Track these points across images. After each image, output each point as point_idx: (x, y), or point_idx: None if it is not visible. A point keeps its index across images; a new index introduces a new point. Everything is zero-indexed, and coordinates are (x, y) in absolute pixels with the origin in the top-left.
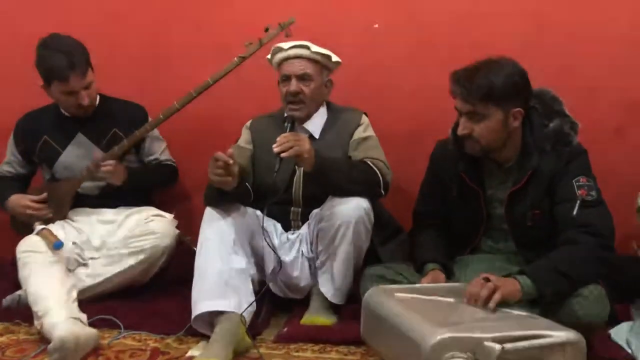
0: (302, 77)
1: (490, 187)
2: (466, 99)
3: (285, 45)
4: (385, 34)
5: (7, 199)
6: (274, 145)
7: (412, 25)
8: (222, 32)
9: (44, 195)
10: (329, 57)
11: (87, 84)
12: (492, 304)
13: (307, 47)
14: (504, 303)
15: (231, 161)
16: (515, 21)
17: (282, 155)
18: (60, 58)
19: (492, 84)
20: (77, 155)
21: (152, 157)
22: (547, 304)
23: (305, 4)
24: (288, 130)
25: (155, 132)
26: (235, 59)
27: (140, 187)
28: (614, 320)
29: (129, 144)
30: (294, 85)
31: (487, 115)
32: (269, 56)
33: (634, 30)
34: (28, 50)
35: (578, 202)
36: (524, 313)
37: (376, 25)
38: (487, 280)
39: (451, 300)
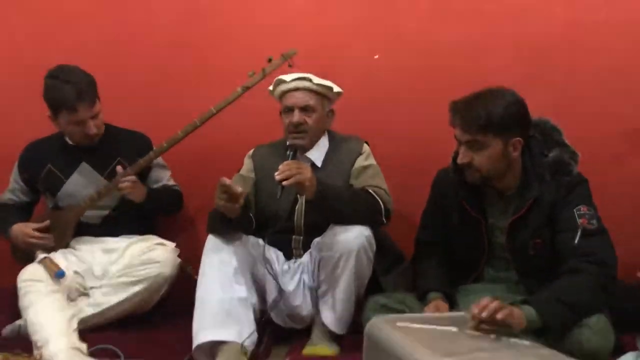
0: (305, 109)
1: (491, 215)
2: (465, 129)
3: (287, 77)
4: (385, 64)
5: (11, 228)
6: (276, 173)
7: (412, 56)
8: (225, 62)
9: (47, 222)
10: (330, 88)
11: (95, 114)
12: (500, 315)
13: (309, 79)
14: (507, 332)
15: (239, 189)
16: (515, 51)
17: (284, 183)
18: (69, 88)
19: (490, 113)
20: (80, 184)
21: (159, 184)
22: (551, 334)
23: (307, 35)
24: (290, 158)
25: (160, 160)
26: (239, 88)
27: (155, 207)
28: (620, 351)
29: (132, 171)
30: (296, 116)
31: (487, 145)
32: (270, 87)
33: (632, 59)
34: (32, 80)
35: (579, 231)
36: (528, 343)
37: (377, 57)
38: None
39: (454, 329)
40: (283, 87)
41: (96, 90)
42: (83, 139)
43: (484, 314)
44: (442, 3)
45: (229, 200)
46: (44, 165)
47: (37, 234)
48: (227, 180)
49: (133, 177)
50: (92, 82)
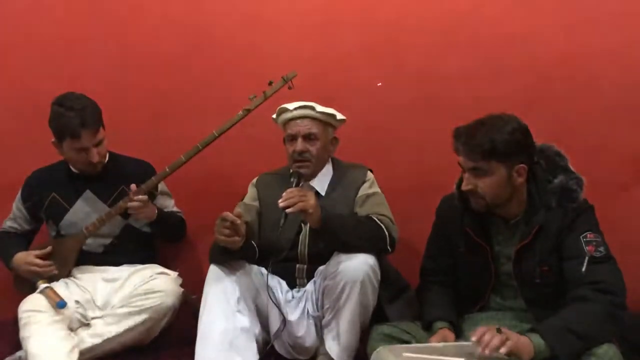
0: (308, 137)
1: (497, 243)
2: (469, 156)
3: (290, 105)
4: (388, 91)
5: (13, 258)
6: (279, 201)
7: (414, 84)
8: (228, 89)
9: (49, 248)
10: (333, 115)
11: (98, 142)
12: (504, 349)
13: (312, 108)
14: None
15: (239, 221)
16: (519, 77)
17: (288, 210)
18: (73, 116)
19: (494, 140)
20: (84, 212)
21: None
22: None
23: (310, 62)
24: (294, 185)
25: (164, 188)
26: (240, 111)
27: (164, 229)
28: None
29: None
30: (300, 144)
31: (490, 172)
32: (274, 116)
33: (636, 86)
34: (35, 108)
35: (586, 258)
36: None
37: (380, 84)
38: (500, 331)
39: (461, 359)
40: (286, 116)
41: (100, 118)
42: (86, 166)
43: (487, 352)
44: (444, 31)
45: (230, 235)
46: (48, 193)
47: (39, 261)
48: (229, 215)
49: (144, 197)
50: (96, 110)
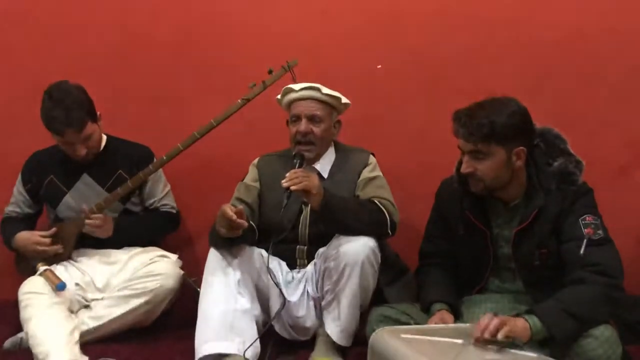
0: (312, 118)
1: (496, 226)
2: (468, 139)
3: (296, 86)
4: (388, 74)
5: (15, 237)
6: (283, 181)
7: (414, 66)
8: (227, 72)
9: (54, 229)
10: (339, 99)
11: (84, 138)
12: (500, 335)
13: (318, 89)
14: (512, 344)
15: (239, 220)
16: (520, 59)
17: (292, 188)
18: (58, 112)
19: (493, 123)
20: (81, 196)
21: (151, 201)
22: (557, 344)
23: (309, 45)
24: (297, 166)
25: (160, 174)
26: (239, 100)
27: (128, 241)
28: None
29: (133, 185)
30: (304, 125)
31: (490, 154)
32: (279, 96)
33: (637, 70)
34: (35, 91)
35: (585, 240)
36: (533, 354)
37: (379, 66)
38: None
39: (459, 341)
40: (291, 96)
41: (91, 112)
42: (74, 157)
43: (486, 335)
44: (445, 12)
45: (230, 229)
46: (46, 175)
47: (45, 240)
48: (231, 214)
49: (100, 216)
50: (84, 105)
